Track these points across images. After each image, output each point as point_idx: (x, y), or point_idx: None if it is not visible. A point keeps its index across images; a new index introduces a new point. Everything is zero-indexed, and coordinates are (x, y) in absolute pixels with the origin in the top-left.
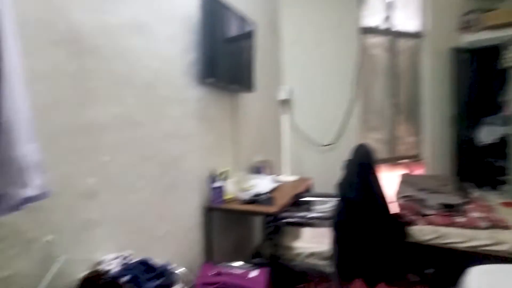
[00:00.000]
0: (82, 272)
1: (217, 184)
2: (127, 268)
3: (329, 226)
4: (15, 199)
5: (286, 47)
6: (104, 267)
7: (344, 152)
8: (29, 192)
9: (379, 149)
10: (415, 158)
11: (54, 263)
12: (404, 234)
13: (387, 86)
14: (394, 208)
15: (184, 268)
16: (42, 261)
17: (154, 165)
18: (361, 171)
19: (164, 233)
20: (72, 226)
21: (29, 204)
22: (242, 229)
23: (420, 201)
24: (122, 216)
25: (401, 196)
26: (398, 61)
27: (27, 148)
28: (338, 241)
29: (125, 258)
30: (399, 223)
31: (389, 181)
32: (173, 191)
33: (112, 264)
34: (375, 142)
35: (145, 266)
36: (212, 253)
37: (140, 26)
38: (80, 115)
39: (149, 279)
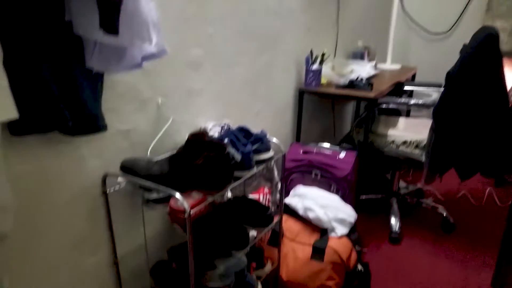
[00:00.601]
0: (187, 133)
1: (314, 67)
2: (227, 133)
3: (428, 115)
4: (139, 55)
5: None
6: (208, 131)
7: (459, 43)
8: (150, 48)
9: (504, 40)
10: None
11: (164, 122)
12: None
13: None
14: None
15: (276, 139)
16: (155, 120)
17: (253, 42)
18: (481, 54)
19: (257, 111)
20: (178, 92)
21: (148, 61)
22: (333, 115)
23: None
24: (221, 89)
25: None
26: None
27: (149, 4)
28: (437, 128)
29: (224, 125)
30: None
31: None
32: (269, 70)
33: (213, 129)
34: (500, 31)
35: (243, 132)
36: (301, 135)
37: None
38: None
39: (246, 143)
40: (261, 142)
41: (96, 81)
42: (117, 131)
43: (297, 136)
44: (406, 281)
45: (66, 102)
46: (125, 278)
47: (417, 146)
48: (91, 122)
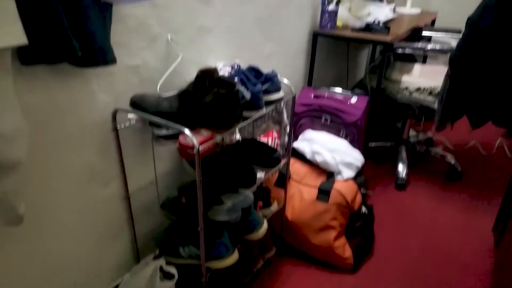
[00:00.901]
0: (196, 71)
1: (330, 8)
2: (237, 72)
3: (444, 61)
4: None
5: None
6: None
7: None
8: None
9: None
10: None
11: (174, 59)
12: None
13: None
14: None
15: (287, 80)
16: (165, 57)
17: None
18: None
19: (269, 52)
20: (188, 29)
21: None
22: (347, 60)
23: None
24: (232, 27)
25: None
26: None
27: None
28: (453, 74)
29: (234, 65)
30: None
31: None
32: (283, 11)
33: (223, 69)
34: None
35: (253, 72)
36: (312, 80)
37: None
38: None
39: (256, 83)
40: (271, 82)
41: (104, 11)
42: (127, 66)
43: (309, 81)
44: (408, 223)
45: (75, 32)
46: (136, 212)
47: (430, 93)
48: (99, 54)
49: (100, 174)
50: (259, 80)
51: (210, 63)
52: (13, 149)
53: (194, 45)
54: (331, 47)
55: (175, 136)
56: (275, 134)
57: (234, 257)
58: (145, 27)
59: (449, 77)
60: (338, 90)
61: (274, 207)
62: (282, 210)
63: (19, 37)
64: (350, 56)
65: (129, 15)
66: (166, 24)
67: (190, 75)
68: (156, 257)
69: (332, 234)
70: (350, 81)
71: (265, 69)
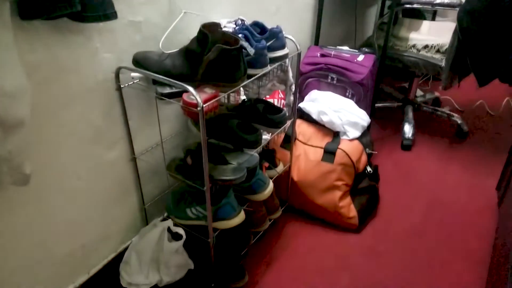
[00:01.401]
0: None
1: None
2: (241, 28)
3: (454, 18)
4: None
5: None
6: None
7: None
8: None
9: None
10: None
11: (176, 16)
12: None
13: None
14: None
15: (292, 36)
16: (167, 13)
17: None
18: None
19: (275, 9)
20: None
21: None
22: (354, 17)
23: None
24: None
25: None
26: None
27: None
28: (461, 31)
29: (238, 21)
30: None
31: None
32: None
33: (227, 26)
34: None
35: (258, 28)
36: (319, 38)
37: None
38: None
39: (260, 39)
40: (276, 38)
41: None
42: (129, 22)
43: (316, 39)
44: (413, 183)
45: None
46: (143, 174)
47: (438, 51)
48: (100, 9)
49: (105, 135)
50: (263, 36)
51: (214, 19)
52: (17, 107)
53: (197, 1)
54: (339, 3)
55: (179, 94)
56: (281, 94)
57: (240, 217)
58: None
59: (457, 33)
60: (345, 48)
61: (280, 168)
62: (288, 171)
63: None
64: (358, 13)
65: None
66: None
67: (193, 32)
68: (164, 219)
69: (337, 194)
70: (358, 39)
71: (270, 26)
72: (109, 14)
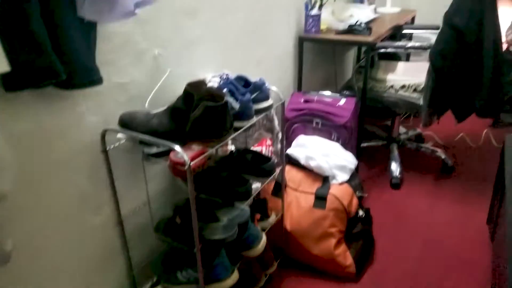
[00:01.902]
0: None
1: (313, 12)
2: (225, 83)
3: (427, 58)
4: (131, 1)
5: None
6: (206, 81)
7: None
8: None
9: None
10: None
11: (162, 74)
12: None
13: None
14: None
15: (275, 87)
16: (152, 72)
17: None
18: None
19: (257, 59)
20: (175, 42)
21: (142, 8)
22: (334, 63)
23: None
24: (219, 38)
25: None
26: None
27: None
28: (434, 71)
29: (223, 75)
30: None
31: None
32: (268, 17)
33: (212, 80)
34: None
35: (242, 81)
36: (302, 84)
37: None
38: None
39: (244, 93)
40: (260, 90)
41: (88, 31)
42: (115, 84)
43: (299, 85)
44: (406, 223)
45: (58, 54)
46: (130, 237)
47: (415, 90)
48: (85, 75)
49: (91, 200)
50: (248, 89)
51: (200, 75)
52: None
53: (182, 59)
54: (318, 50)
55: (166, 153)
56: (268, 142)
57: (234, 278)
58: (131, 43)
59: (431, 73)
60: (327, 93)
61: (272, 218)
62: (280, 220)
63: (1, 65)
64: (337, 58)
65: (115, 33)
66: (153, 39)
67: (180, 89)
68: (153, 285)
69: (332, 241)
70: (339, 82)
71: (254, 77)
72: (95, 79)
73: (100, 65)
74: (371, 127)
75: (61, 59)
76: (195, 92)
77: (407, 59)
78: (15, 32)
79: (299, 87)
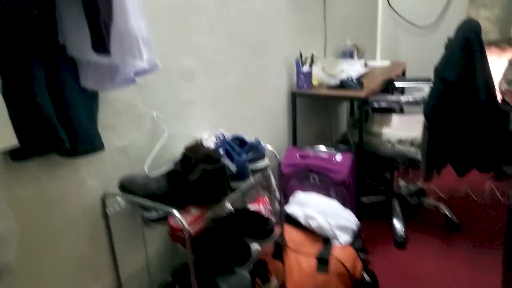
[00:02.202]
0: (183, 145)
1: (304, 69)
2: (222, 143)
3: (421, 111)
4: (131, 71)
5: None
6: (203, 141)
7: (445, 35)
8: (142, 64)
9: (489, 30)
10: None
11: (160, 136)
12: (506, 123)
13: None
14: (497, 94)
15: (270, 146)
16: (151, 135)
17: (243, 48)
18: (465, 48)
19: (252, 117)
20: (172, 104)
21: (141, 77)
22: (327, 117)
23: None
24: (214, 98)
25: (507, 80)
26: None
27: (139, 21)
28: (430, 126)
29: (219, 135)
30: (502, 111)
31: (497, 66)
32: (261, 76)
33: (208, 140)
34: (485, 21)
35: (238, 141)
36: (296, 139)
37: None
38: None
39: (241, 153)
40: (255, 150)
41: (91, 100)
42: (115, 148)
43: (293, 140)
44: (414, 286)
45: (63, 123)
46: None
47: (412, 144)
48: (88, 143)
49: (91, 266)
50: (244, 149)
51: (196, 134)
52: (3, 253)
53: (179, 120)
54: (311, 105)
55: (165, 218)
56: (266, 199)
57: None
58: (131, 108)
59: (425, 128)
60: (322, 148)
61: (273, 283)
62: (282, 285)
63: (10, 140)
64: (330, 111)
65: (115, 98)
66: (151, 102)
67: (178, 149)
68: None
69: None
70: (334, 135)
71: (250, 134)
72: (97, 146)
73: (101, 129)
74: (370, 181)
75: (65, 128)
76: (192, 154)
77: (401, 111)
78: (22, 105)
79: (294, 142)
